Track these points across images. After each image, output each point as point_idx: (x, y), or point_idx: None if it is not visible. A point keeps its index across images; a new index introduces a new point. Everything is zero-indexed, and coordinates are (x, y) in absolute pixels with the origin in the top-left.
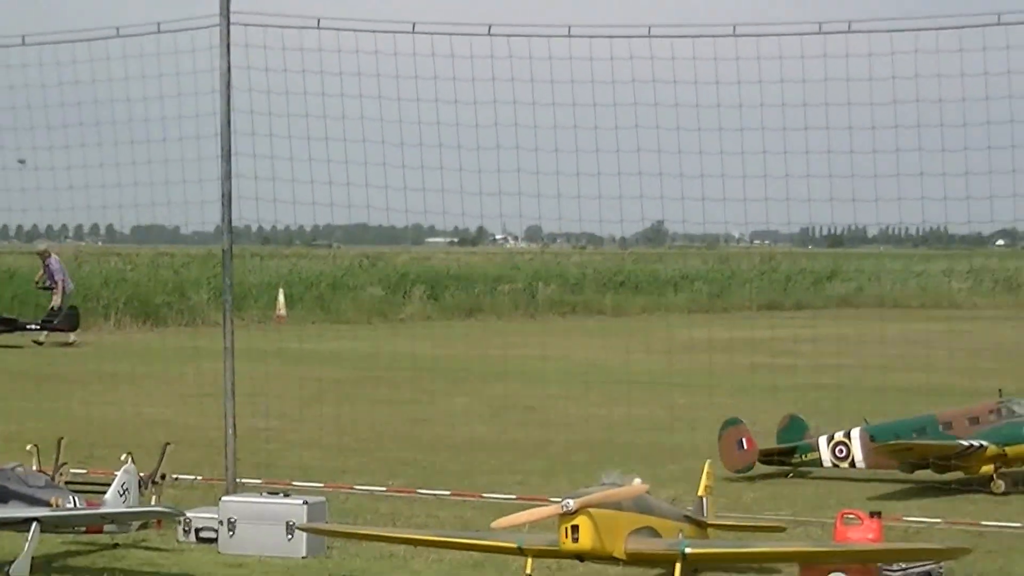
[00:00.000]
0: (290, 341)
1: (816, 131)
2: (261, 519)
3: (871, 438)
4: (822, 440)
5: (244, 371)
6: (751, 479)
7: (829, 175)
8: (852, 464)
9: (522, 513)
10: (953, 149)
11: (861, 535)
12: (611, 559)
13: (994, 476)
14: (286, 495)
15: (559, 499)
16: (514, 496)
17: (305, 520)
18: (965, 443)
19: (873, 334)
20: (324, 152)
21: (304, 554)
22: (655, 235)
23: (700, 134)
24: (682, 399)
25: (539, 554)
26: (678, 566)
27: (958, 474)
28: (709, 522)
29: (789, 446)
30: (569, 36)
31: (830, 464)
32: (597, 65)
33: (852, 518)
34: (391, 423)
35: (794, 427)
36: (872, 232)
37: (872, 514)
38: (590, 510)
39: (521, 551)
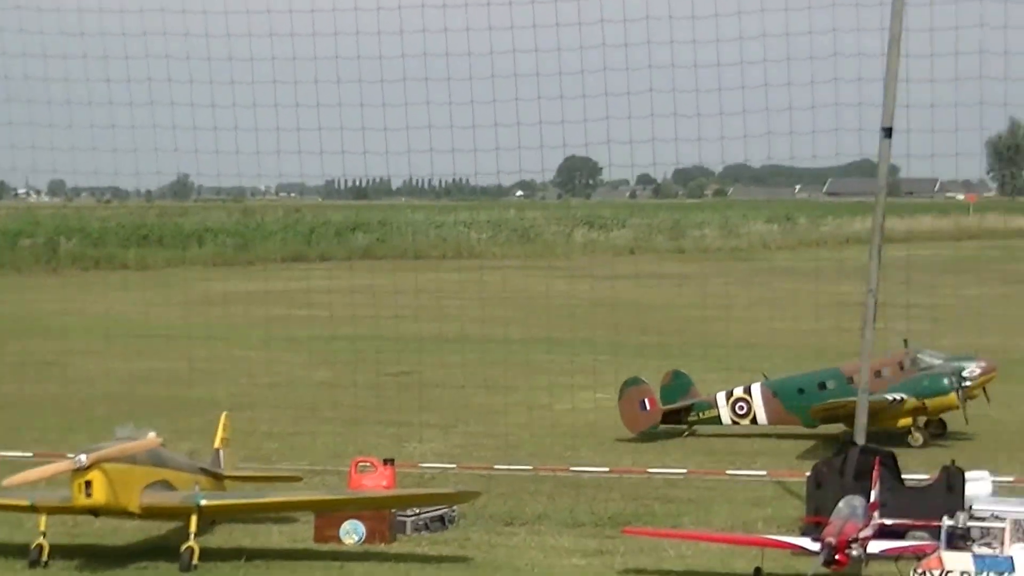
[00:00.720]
0: None
1: (327, 85)
2: None
3: (773, 394)
4: (720, 397)
5: None
6: (654, 438)
7: (340, 127)
8: (754, 421)
9: (35, 470)
10: (459, 102)
11: (375, 482)
12: (126, 513)
13: (911, 429)
14: None
15: (74, 454)
16: (31, 453)
17: None
18: (889, 398)
19: (392, 284)
20: None
21: None
22: (181, 188)
23: (212, 87)
24: (202, 352)
25: (53, 510)
26: (193, 518)
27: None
28: (226, 474)
29: (688, 403)
30: None
31: (730, 421)
32: (106, 16)
33: (366, 465)
34: None
35: (677, 382)
36: (396, 184)
37: (386, 461)
38: (104, 465)
39: (34, 508)
